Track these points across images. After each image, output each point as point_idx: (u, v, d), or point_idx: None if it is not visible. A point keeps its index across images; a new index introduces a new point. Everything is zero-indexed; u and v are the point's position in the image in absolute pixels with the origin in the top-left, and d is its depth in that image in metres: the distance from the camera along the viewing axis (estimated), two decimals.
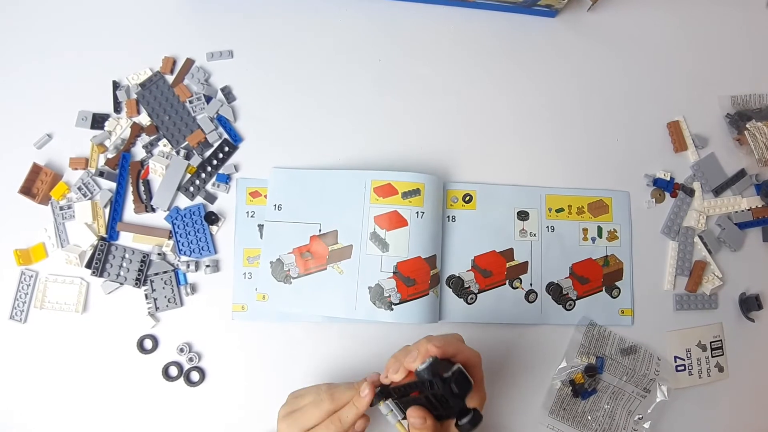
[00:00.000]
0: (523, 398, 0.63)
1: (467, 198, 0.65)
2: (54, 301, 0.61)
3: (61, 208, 0.63)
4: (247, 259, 0.62)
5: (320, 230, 0.62)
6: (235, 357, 0.61)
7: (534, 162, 0.67)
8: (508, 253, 0.64)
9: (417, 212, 0.61)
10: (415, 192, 0.62)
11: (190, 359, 0.60)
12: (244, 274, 0.62)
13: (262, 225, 0.62)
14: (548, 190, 0.66)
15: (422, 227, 0.61)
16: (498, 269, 0.64)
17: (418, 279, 0.60)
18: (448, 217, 0.64)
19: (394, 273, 0.60)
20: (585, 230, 0.66)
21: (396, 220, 0.61)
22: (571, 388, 0.63)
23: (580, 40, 0.71)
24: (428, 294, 0.61)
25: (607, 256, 0.66)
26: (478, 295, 0.63)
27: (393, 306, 0.60)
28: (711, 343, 0.67)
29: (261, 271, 0.61)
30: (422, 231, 0.61)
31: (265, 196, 0.63)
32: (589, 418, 0.63)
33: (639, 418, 0.64)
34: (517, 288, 0.64)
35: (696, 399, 0.65)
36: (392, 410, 0.44)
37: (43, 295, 0.61)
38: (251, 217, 0.63)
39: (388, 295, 0.60)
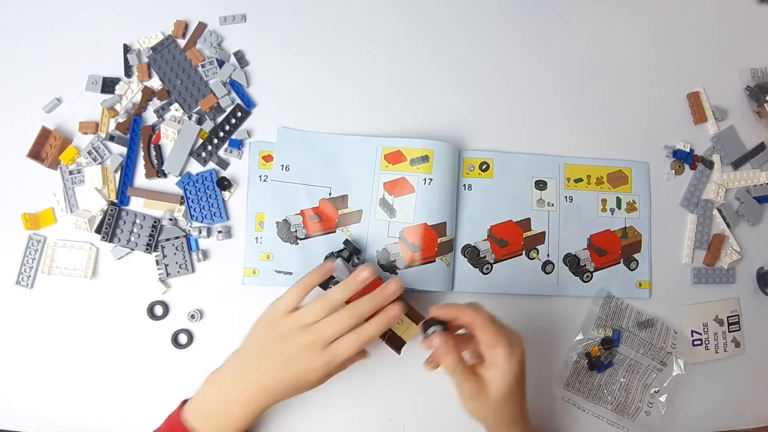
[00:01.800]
0: (538, 371, 0.62)
1: (484, 166, 0.64)
2: (62, 267, 0.60)
3: (71, 173, 0.61)
4: (259, 223, 0.61)
5: (330, 194, 0.61)
6: (247, 324, 0.60)
7: (553, 131, 0.66)
8: (525, 223, 0.63)
9: (425, 179, 0.60)
10: (424, 159, 0.61)
11: (199, 323, 0.59)
12: (256, 238, 0.61)
13: (269, 184, 0.62)
14: (567, 159, 0.65)
15: (430, 194, 0.60)
16: (515, 239, 0.63)
17: (423, 245, 0.60)
18: (465, 185, 0.63)
19: (399, 238, 0.60)
20: (604, 201, 0.65)
21: (403, 187, 0.61)
22: (587, 360, 0.62)
23: (600, 8, 0.70)
24: (435, 261, 0.60)
25: (625, 227, 0.65)
26: (493, 265, 0.62)
27: (397, 270, 0.59)
28: (728, 317, 0.66)
29: (266, 230, 0.60)
30: (430, 198, 0.60)
31: (273, 157, 0.62)
32: (605, 391, 0.62)
33: (655, 392, 0.63)
34: (533, 259, 0.63)
35: (712, 374, 0.65)
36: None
37: (51, 260, 0.60)
38: (264, 181, 0.62)
39: (393, 259, 0.59)
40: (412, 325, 0.54)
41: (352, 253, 0.58)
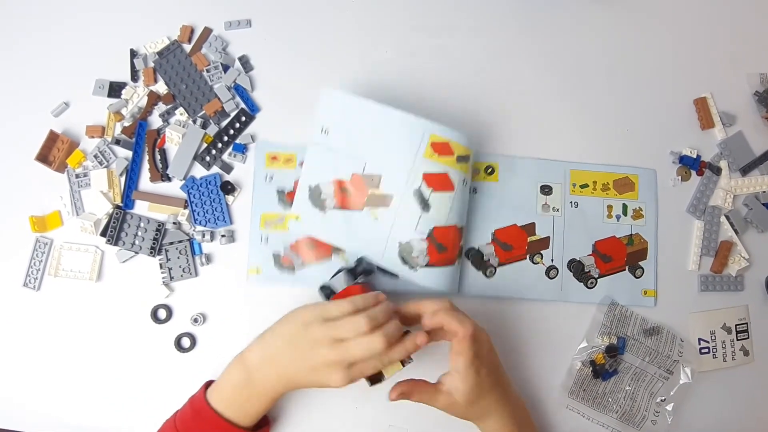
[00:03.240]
0: (542, 378, 0.62)
1: (489, 170, 0.64)
2: (68, 269, 0.61)
3: (77, 176, 0.62)
4: (264, 223, 0.61)
5: (364, 169, 0.58)
6: (250, 327, 0.60)
7: (559, 136, 0.65)
8: (530, 228, 0.63)
9: (464, 180, 0.59)
10: (466, 158, 0.59)
11: (202, 327, 0.60)
12: (261, 237, 0.61)
13: (281, 190, 0.62)
14: (573, 164, 0.65)
15: (464, 196, 0.59)
16: (519, 243, 0.62)
17: (449, 247, 0.59)
18: (470, 189, 0.63)
19: (428, 236, 0.58)
20: (609, 207, 0.64)
21: (445, 183, 0.58)
22: (591, 368, 0.61)
23: (608, 13, 0.69)
24: (454, 264, 0.59)
25: (631, 234, 0.64)
26: (497, 268, 0.62)
27: (418, 268, 0.58)
28: (736, 325, 0.65)
29: (299, 193, 0.59)
30: (463, 200, 0.59)
31: (285, 161, 0.62)
32: (610, 399, 0.62)
33: (661, 400, 0.62)
34: (537, 263, 0.62)
35: (720, 382, 0.64)
36: None
37: (57, 262, 0.61)
38: (270, 181, 0.62)
39: (416, 255, 0.57)
40: (397, 363, 0.51)
41: (362, 273, 0.57)
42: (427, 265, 0.58)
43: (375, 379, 0.51)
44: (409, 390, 0.51)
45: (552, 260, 0.63)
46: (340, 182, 0.59)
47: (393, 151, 0.58)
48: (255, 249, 0.61)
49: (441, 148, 0.58)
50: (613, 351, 0.61)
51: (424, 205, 0.57)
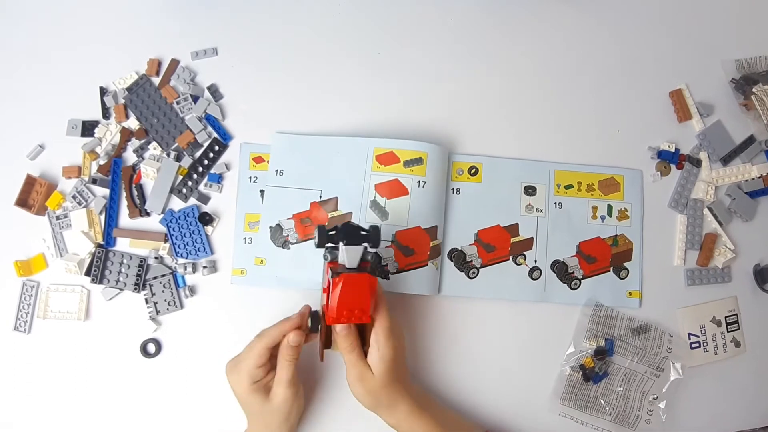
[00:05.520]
0: (531, 385, 0.62)
1: (473, 170, 0.64)
2: (56, 310, 0.61)
3: (58, 218, 0.63)
4: (248, 224, 0.62)
5: (321, 197, 0.61)
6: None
7: (543, 136, 0.65)
8: (513, 229, 0.63)
9: (419, 181, 0.60)
10: (418, 161, 0.60)
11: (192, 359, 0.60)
12: (245, 238, 0.62)
13: (264, 191, 0.62)
14: (557, 165, 0.64)
15: (424, 197, 0.60)
16: (502, 244, 0.62)
17: (417, 249, 0.59)
18: (453, 189, 0.63)
19: (392, 242, 0.59)
20: (594, 208, 0.64)
21: (396, 189, 0.60)
22: (581, 372, 0.61)
23: (578, 14, 0.69)
24: (427, 265, 0.60)
25: (616, 235, 0.64)
26: (480, 269, 0.62)
27: (390, 275, 0.59)
28: (726, 317, 0.64)
29: (260, 235, 0.61)
30: (423, 201, 0.60)
31: (269, 162, 0.63)
32: (602, 402, 0.61)
33: (654, 398, 0.62)
34: (520, 264, 0.62)
35: (713, 376, 0.63)
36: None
37: (45, 304, 0.61)
38: (254, 182, 0.63)
39: (385, 263, 0.59)
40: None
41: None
42: (398, 271, 0.59)
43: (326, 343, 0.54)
44: (349, 331, 0.51)
45: (535, 261, 0.63)
46: (299, 215, 0.60)
47: (344, 174, 0.61)
48: (239, 250, 0.61)
49: (385, 159, 0.61)
50: (602, 353, 0.61)
51: (382, 213, 0.60)
